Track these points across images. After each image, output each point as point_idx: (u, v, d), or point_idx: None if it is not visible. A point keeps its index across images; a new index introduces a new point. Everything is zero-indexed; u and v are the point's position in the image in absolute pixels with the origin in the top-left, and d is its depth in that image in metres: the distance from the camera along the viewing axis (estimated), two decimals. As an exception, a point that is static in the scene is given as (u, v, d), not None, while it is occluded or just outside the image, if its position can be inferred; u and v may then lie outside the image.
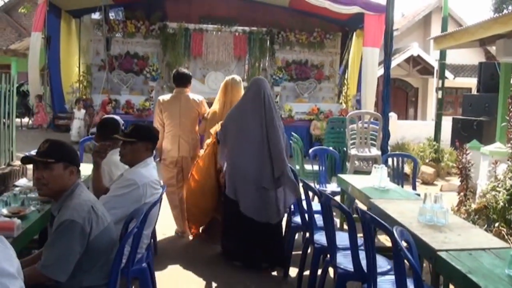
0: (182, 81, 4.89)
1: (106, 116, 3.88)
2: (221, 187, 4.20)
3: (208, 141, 4.48)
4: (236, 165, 3.82)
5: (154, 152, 4.44)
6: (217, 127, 4.36)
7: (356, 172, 6.08)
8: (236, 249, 3.99)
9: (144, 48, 12.52)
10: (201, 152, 4.53)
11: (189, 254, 4.37)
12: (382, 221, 2.38)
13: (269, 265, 4.00)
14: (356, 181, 4.33)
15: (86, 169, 3.69)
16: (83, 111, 11.00)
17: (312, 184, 4.97)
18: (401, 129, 12.36)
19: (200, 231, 4.78)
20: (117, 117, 3.65)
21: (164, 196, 3.09)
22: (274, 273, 3.98)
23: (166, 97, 4.91)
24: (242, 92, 4.59)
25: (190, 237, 4.83)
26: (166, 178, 4.82)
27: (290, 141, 6.49)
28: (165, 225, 5.11)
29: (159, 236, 4.66)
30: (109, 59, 11.95)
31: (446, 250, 2.33)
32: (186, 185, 4.61)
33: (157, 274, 3.48)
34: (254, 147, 3.79)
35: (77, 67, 12.40)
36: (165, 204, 5.06)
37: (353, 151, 6.31)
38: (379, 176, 4.02)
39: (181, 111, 4.79)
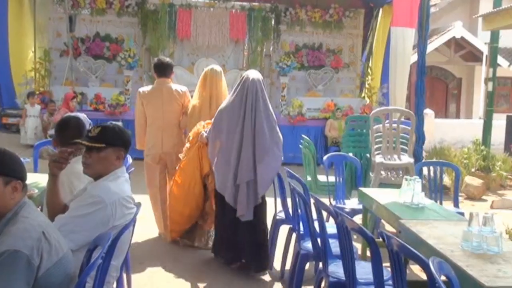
0: (164, 71, 5.59)
1: (68, 114, 3.85)
2: (207, 192, 5.08)
3: (188, 145, 5.11)
4: (224, 162, 4.55)
5: (130, 159, 4.48)
6: (198, 129, 5.04)
7: (383, 185, 6.04)
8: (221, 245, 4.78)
9: (118, 28, 12.53)
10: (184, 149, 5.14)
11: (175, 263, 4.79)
12: (414, 250, 2.33)
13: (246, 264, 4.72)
14: (382, 196, 4.31)
15: (42, 180, 3.69)
16: (38, 106, 11.01)
17: (327, 200, 4.93)
18: (440, 130, 12.33)
19: (180, 236, 5.38)
20: (82, 116, 3.63)
21: (141, 214, 3.03)
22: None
23: (147, 88, 5.66)
24: (224, 83, 5.39)
25: (168, 241, 5.46)
26: (149, 179, 5.62)
27: (300, 145, 6.50)
28: (143, 252, 5.08)
29: (135, 266, 4.62)
30: (74, 42, 11.94)
31: (500, 288, 2.30)
32: (169, 190, 5.20)
33: None
34: (238, 146, 4.49)
35: (32, 52, 12.36)
36: (143, 226, 5.25)
37: (378, 159, 6.27)
38: (412, 190, 4.00)
39: (163, 104, 5.49)
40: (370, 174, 6.39)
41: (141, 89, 5.66)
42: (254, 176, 4.44)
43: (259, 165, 4.42)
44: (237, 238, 4.64)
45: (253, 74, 4.65)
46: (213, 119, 4.71)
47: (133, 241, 3.30)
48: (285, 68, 12.15)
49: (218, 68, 5.43)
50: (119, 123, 9.51)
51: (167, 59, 5.75)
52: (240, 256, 4.74)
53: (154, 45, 12.11)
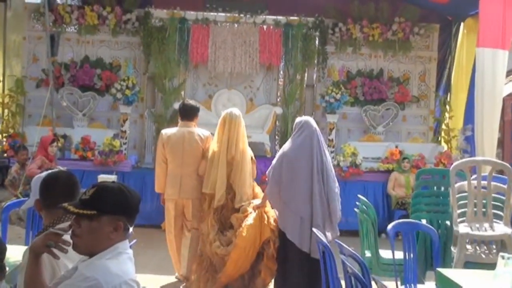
0: (188, 114, 7.32)
1: (58, 169, 3.91)
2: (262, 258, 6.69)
3: (253, 208, 6.66)
4: (291, 207, 6.25)
5: (130, 230, 4.51)
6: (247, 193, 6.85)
7: (470, 264, 5.93)
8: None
9: (114, 51, 12.83)
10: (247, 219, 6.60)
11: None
12: None
13: None
14: (470, 280, 4.27)
15: (12, 252, 3.67)
16: None
17: (393, 285, 4.89)
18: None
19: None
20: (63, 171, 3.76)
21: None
22: None
23: (170, 131, 7.34)
24: (242, 127, 6.93)
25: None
26: (168, 222, 7.26)
27: (355, 209, 6.59)
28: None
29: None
30: (55, 69, 12.15)
31: None
32: (231, 252, 6.55)
33: None
34: (306, 189, 6.22)
35: (0, 82, 12.55)
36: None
37: (463, 228, 6.18)
38: (510, 273, 3.91)
39: (184, 148, 7.14)
40: (452, 249, 6.28)
41: (163, 131, 7.39)
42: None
43: (332, 204, 6.23)
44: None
45: (311, 120, 6.51)
46: (274, 161, 6.45)
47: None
48: (334, 103, 12.04)
49: (236, 111, 6.97)
50: (113, 177, 9.68)
51: (192, 102, 7.51)
52: None
53: (160, 72, 12.27)
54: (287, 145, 6.49)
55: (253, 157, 7.09)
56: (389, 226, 5.67)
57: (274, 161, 6.49)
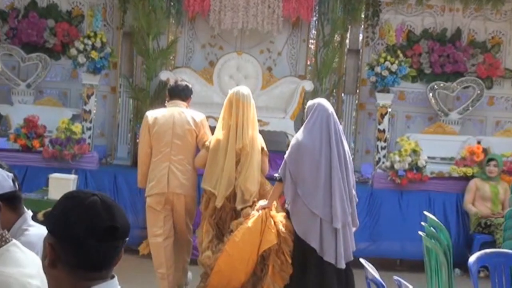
0: (181, 94, 8.21)
1: None
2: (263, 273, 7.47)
3: (257, 209, 7.37)
4: (312, 207, 7.17)
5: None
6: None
7: None
8: None
9: (74, -5, 12.77)
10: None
11: None
12: None
13: None
14: None
15: None
16: None
17: None
18: None
19: None
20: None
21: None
22: None
23: (157, 112, 8.16)
24: (253, 109, 7.81)
25: None
26: (150, 225, 8.04)
27: (420, 232, 6.85)
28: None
29: None
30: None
31: None
32: (215, 261, 7.32)
33: None
34: (327, 185, 7.21)
35: None
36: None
37: None
38: None
39: (174, 131, 7.91)
40: None
41: (149, 113, 8.18)
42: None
43: (353, 204, 7.39)
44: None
45: (326, 102, 7.60)
46: (287, 154, 7.38)
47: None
48: (387, 77, 11.82)
49: (245, 90, 7.86)
50: (72, 178, 9.50)
51: (186, 83, 8.44)
52: None
53: (141, 27, 12.13)
54: (300, 134, 7.47)
55: (265, 148, 7.92)
56: (472, 258, 5.70)
57: (287, 154, 7.41)
